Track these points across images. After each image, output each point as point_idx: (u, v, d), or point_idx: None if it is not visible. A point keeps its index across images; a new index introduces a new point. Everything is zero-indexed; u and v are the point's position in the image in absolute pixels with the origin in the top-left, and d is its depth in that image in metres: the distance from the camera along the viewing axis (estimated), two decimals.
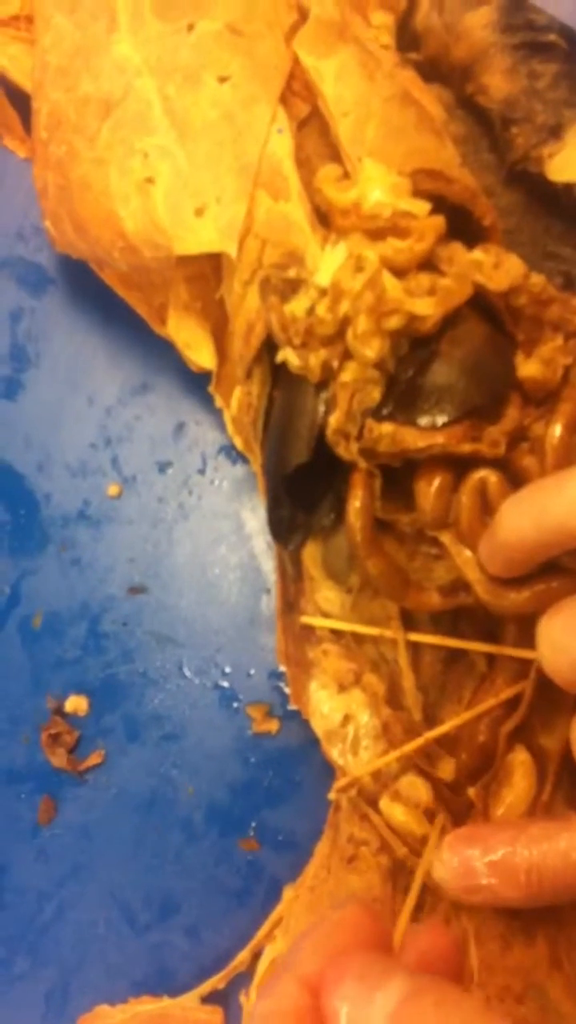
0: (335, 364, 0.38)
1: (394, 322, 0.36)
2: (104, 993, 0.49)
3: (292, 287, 0.39)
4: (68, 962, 0.50)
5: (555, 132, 0.47)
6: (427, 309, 0.37)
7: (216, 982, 0.47)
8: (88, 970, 0.50)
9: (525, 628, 0.42)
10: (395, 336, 0.37)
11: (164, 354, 0.53)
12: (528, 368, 0.40)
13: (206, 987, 0.47)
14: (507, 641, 0.42)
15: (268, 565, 0.53)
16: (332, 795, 0.45)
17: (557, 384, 0.41)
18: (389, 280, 0.36)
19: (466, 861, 0.37)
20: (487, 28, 0.49)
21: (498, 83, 0.49)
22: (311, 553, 0.45)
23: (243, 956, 0.47)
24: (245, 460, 0.53)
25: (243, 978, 0.47)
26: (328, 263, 0.37)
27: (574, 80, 0.48)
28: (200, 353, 0.49)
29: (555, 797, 0.43)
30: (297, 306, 0.38)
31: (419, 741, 0.42)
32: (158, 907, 0.50)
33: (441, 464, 0.39)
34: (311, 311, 0.37)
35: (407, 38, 0.51)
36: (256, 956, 0.47)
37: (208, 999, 0.48)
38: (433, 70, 0.50)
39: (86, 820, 0.51)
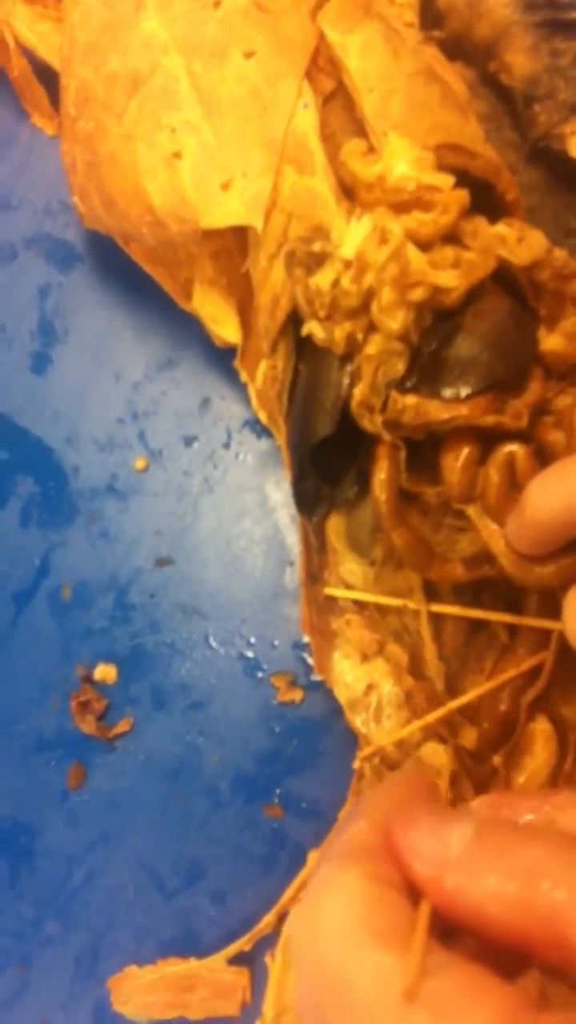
0: (360, 337, 0.39)
1: (418, 294, 0.37)
2: (133, 955, 0.51)
3: (317, 260, 0.39)
4: (97, 925, 0.51)
5: None
6: (451, 281, 0.37)
7: (242, 944, 0.48)
8: (117, 933, 0.51)
9: (547, 599, 0.42)
10: (419, 308, 0.38)
11: (190, 329, 0.54)
12: (550, 342, 0.41)
13: (232, 949, 0.48)
14: (529, 612, 0.43)
15: (292, 538, 0.53)
16: (356, 763, 0.46)
17: None
18: (413, 252, 0.37)
19: None
20: (509, 6, 0.49)
21: (521, 61, 0.49)
22: (335, 525, 0.46)
23: (268, 919, 0.48)
24: (269, 434, 0.54)
25: (268, 941, 0.48)
26: (353, 236, 0.38)
27: None
28: (225, 328, 0.50)
29: None
30: (322, 279, 0.38)
31: (442, 711, 0.43)
32: (185, 872, 0.51)
33: (467, 437, 0.39)
34: (336, 284, 0.38)
35: (430, 16, 0.51)
36: (281, 919, 0.48)
37: (234, 961, 0.49)
38: (456, 48, 0.51)
39: (115, 787, 0.52)
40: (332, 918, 0.25)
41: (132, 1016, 0.49)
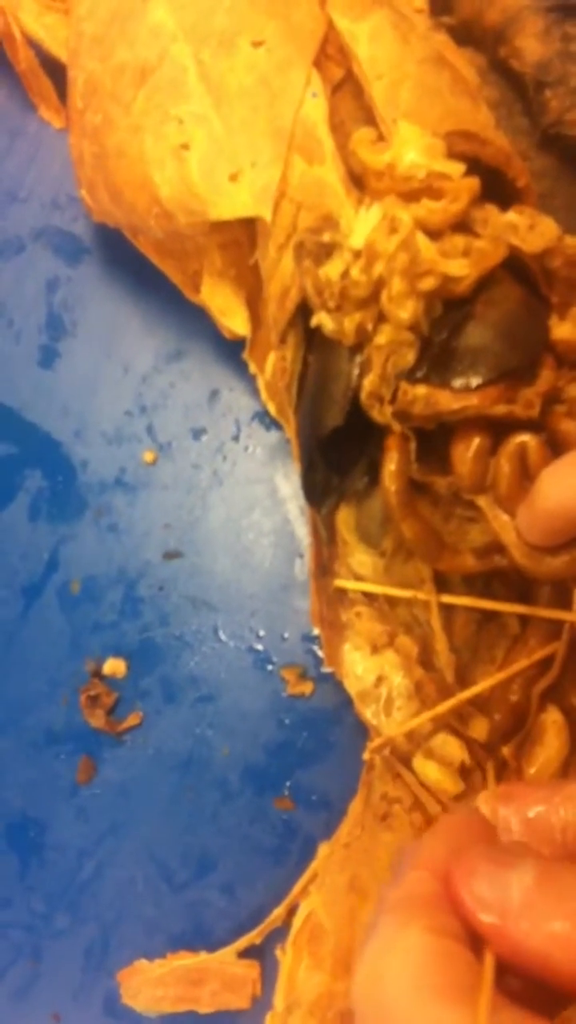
0: (369, 327, 0.38)
1: (428, 283, 0.37)
2: (142, 948, 0.51)
3: (326, 250, 0.39)
4: (107, 918, 0.51)
5: None
6: (461, 270, 0.37)
7: (252, 937, 0.48)
8: (127, 926, 0.51)
9: (559, 589, 0.42)
10: (429, 298, 0.37)
11: (198, 321, 0.54)
12: (562, 330, 0.40)
13: (243, 942, 0.48)
14: (540, 602, 0.43)
15: (301, 530, 0.53)
16: (367, 755, 0.45)
17: None
18: (423, 241, 0.36)
19: (501, 818, 0.37)
20: None
21: (531, 46, 0.49)
22: (345, 517, 0.46)
23: (279, 912, 0.48)
24: (278, 426, 0.54)
25: (279, 933, 0.48)
26: (362, 225, 0.37)
27: None
28: (234, 320, 0.50)
29: None
30: (331, 269, 0.38)
31: (452, 701, 0.43)
32: (195, 865, 0.51)
33: (478, 427, 0.39)
34: (345, 274, 0.38)
35: (440, 2, 0.51)
36: (291, 912, 0.48)
37: (244, 954, 0.49)
38: (466, 34, 0.50)
39: (124, 780, 0.52)
40: (396, 977, 0.25)
41: (142, 1009, 0.49)
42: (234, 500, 0.54)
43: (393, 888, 0.28)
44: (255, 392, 0.53)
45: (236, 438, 0.55)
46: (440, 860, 0.28)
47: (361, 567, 0.46)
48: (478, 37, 0.51)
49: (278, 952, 0.47)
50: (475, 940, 0.26)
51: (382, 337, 0.38)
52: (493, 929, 0.26)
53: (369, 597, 0.46)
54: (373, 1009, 0.25)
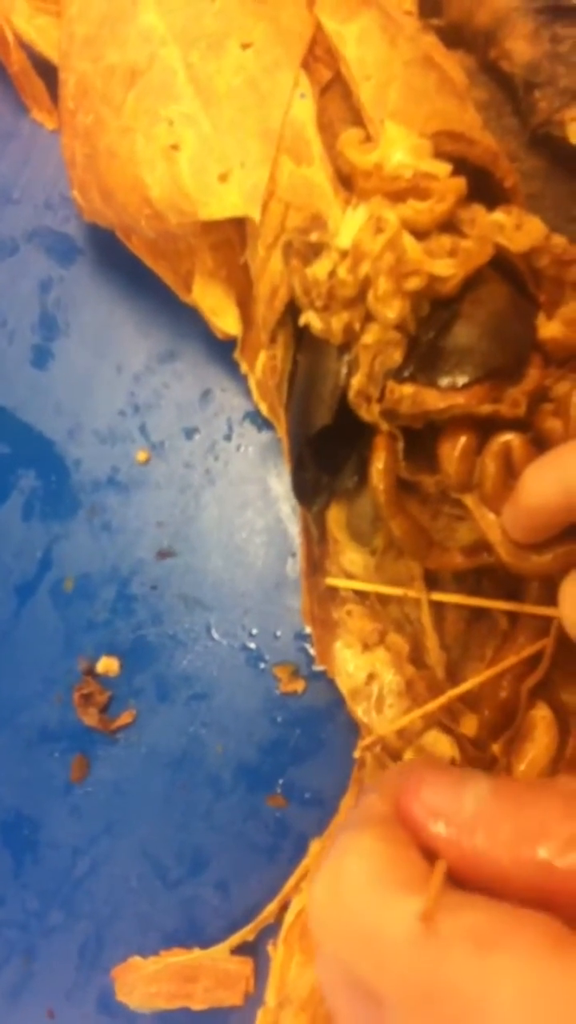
0: (357, 326, 0.39)
1: (414, 283, 0.37)
2: (136, 945, 0.51)
3: (314, 250, 0.39)
4: (101, 915, 0.52)
5: None
6: (447, 270, 0.37)
7: (246, 934, 0.49)
8: (121, 923, 0.51)
9: (547, 586, 0.42)
10: (416, 297, 0.38)
11: (190, 322, 0.54)
12: (549, 329, 0.40)
13: (236, 939, 0.49)
14: (529, 599, 0.43)
15: (294, 529, 0.53)
16: (358, 753, 0.46)
17: None
18: (409, 241, 0.37)
19: None
20: None
21: (521, 48, 0.49)
22: (335, 515, 0.46)
23: (272, 908, 0.48)
24: (270, 426, 0.54)
25: (271, 930, 0.48)
26: (349, 225, 0.38)
27: None
28: (225, 320, 0.50)
29: None
30: (319, 269, 0.38)
31: (442, 699, 0.43)
32: (189, 862, 0.51)
33: (465, 426, 0.39)
34: (332, 274, 0.38)
35: (430, 4, 0.51)
36: (284, 908, 0.48)
37: (238, 950, 0.49)
38: (456, 36, 0.50)
39: (118, 778, 0.52)
40: (353, 878, 0.25)
41: (136, 1006, 0.49)
42: (226, 499, 0.54)
43: (350, 813, 0.29)
44: (247, 392, 0.53)
45: (228, 437, 0.55)
46: (395, 785, 0.28)
47: (352, 565, 0.46)
48: (468, 38, 0.51)
49: (270, 948, 0.47)
50: (428, 855, 0.26)
51: (369, 336, 0.38)
52: (446, 840, 0.26)
53: (360, 595, 0.47)
54: (332, 912, 0.25)
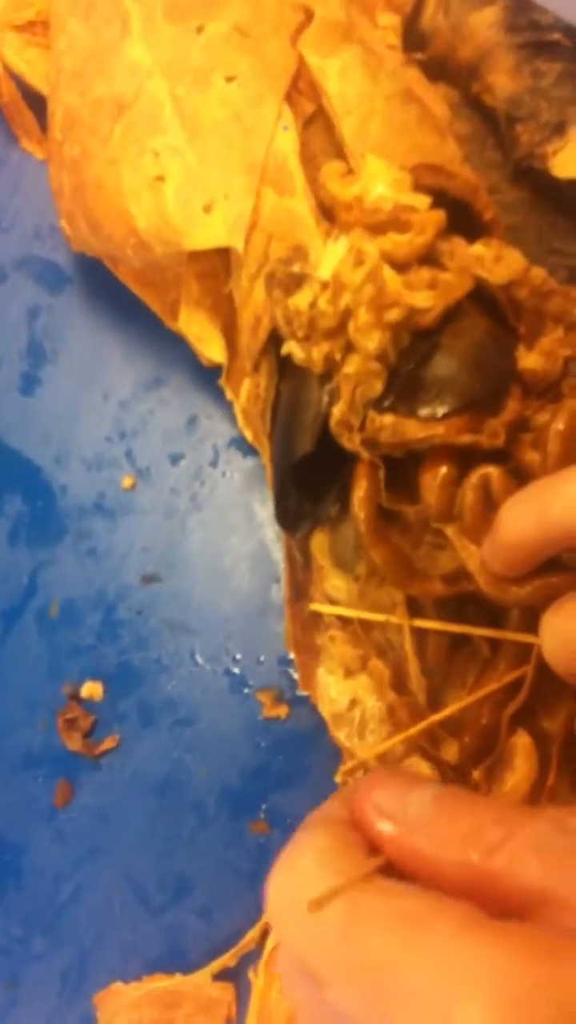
0: (338, 356, 0.39)
1: (394, 315, 0.37)
2: (119, 972, 0.51)
3: (296, 281, 0.40)
4: (84, 942, 0.52)
5: (559, 129, 0.48)
6: (427, 302, 0.38)
7: (227, 960, 0.49)
8: (104, 949, 0.51)
9: (529, 613, 0.42)
10: (396, 329, 0.38)
11: (177, 349, 0.54)
12: (529, 360, 0.41)
13: (217, 965, 0.49)
14: (511, 626, 0.43)
15: (278, 555, 0.54)
16: (339, 777, 0.46)
17: (558, 376, 0.41)
18: (389, 274, 0.37)
19: None
20: (492, 28, 0.50)
21: (503, 82, 0.50)
22: (319, 542, 0.46)
23: (253, 934, 0.48)
24: (256, 453, 0.55)
25: (253, 956, 0.48)
26: (329, 257, 0.38)
27: None
28: (211, 347, 0.50)
29: (560, 782, 0.44)
30: (300, 300, 0.39)
31: (423, 724, 0.43)
32: (172, 888, 0.51)
33: (446, 457, 0.40)
34: (313, 304, 0.38)
35: (414, 38, 0.52)
36: (265, 934, 0.48)
37: (220, 976, 0.49)
38: (440, 70, 0.51)
39: (102, 803, 0.52)
40: (302, 871, 0.27)
41: None
42: (212, 525, 0.55)
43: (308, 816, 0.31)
44: (233, 419, 0.54)
45: (214, 464, 0.55)
46: (352, 791, 0.30)
47: (335, 591, 0.46)
48: (451, 73, 0.51)
49: (251, 974, 0.47)
50: (373, 851, 0.28)
51: (350, 367, 0.39)
52: (388, 838, 0.28)
53: (343, 621, 0.47)
54: (282, 901, 0.27)
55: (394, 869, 0.27)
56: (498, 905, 0.25)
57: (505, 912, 0.25)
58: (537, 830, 0.26)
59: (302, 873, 0.27)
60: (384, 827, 0.28)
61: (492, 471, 0.38)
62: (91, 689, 0.53)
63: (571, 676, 0.36)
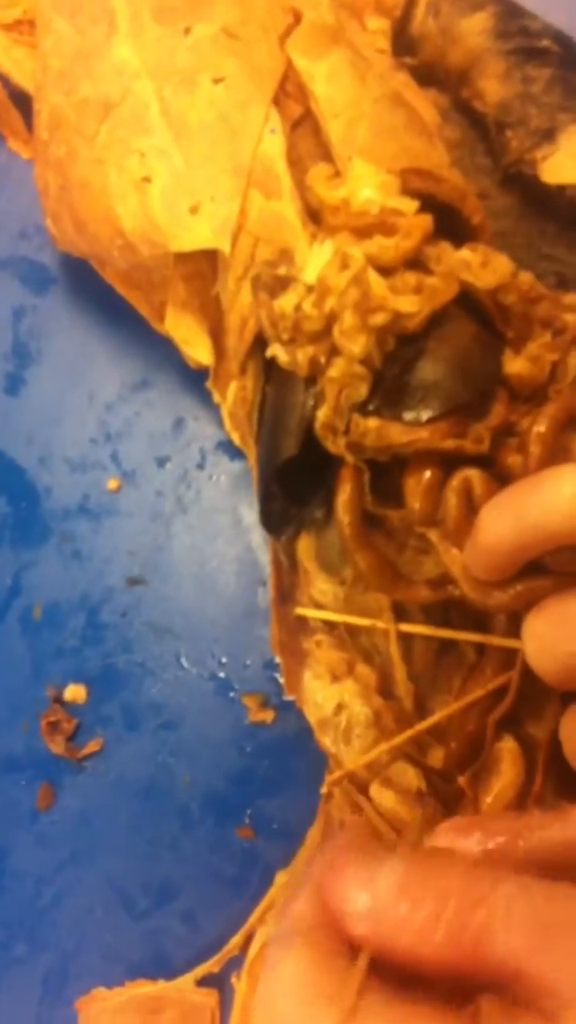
0: (323, 360, 0.39)
1: (379, 319, 0.37)
2: (101, 976, 0.50)
3: (282, 284, 0.39)
4: (66, 946, 0.51)
5: (548, 135, 0.48)
6: (411, 306, 0.38)
7: (211, 966, 0.48)
8: (86, 954, 0.51)
9: (515, 618, 0.42)
10: (381, 333, 0.38)
11: (164, 351, 0.54)
12: (515, 365, 0.41)
13: (201, 970, 0.48)
14: (496, 631, 0.43)
15: (265, 558, 0.53)
16: (325, 788, 0.46)
17: (545, 380, 0.41)
18: (374, 278, 0.37)
19: (460, 849, 0.38)
20: (482, 34, 0.50)
21: (493, 87, 0.50)
22: (305, 546, 0.46)
23: (236, 940, 0.48)
24: (242, 456, 0.54)
25: (237, 962, 0.48)
26: (315, 260, 0.38)
27: (567, 84, 0.49)
28: (198, 349, 0.50)
29: (546, 787, 0.44)
30: (286, 302, 0.39)
31: (410, 732, 0.43)
32: (155, 893, 0.51)
33: (431, 461, 0.39)
34: (298, 307, 0.38)
35: (404, 43, 0.51)
36: (248, 940, 0.48)
37: (204, 982, 0.49)
38: (429, 75, 0.51)
39: (84, 807, 0.52)
40: (283, 996, 0.26)
41: None
42: (198, 528, 0.54)
43: (281, 919, 0.30)
44: (219, 421, 0.54)
45: (200, 466, 0.55)
46: (318, 882, 0.29)
47: (322, 595, 0.46)
48: (441, 78, 0.51)
49: (234, 980, 0.47)
50: (352, 947, 0.27)
51: (335, 370, 0.39)
52: (363, 937, 0.27)
53: (329, 625, 0.47)
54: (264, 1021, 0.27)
55: (377, 961, 0.27)
56: (481, 980, 0.25)
57: (489, 985, 0.25)
58: (501, 901, 0.26)
59: (282, 998, 0.27)
60: (358, 928, 0.27)
61: (473, 474, 0.38)
62: (74, 692, 0.53)
63: (553, 680, 0.36)
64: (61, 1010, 0.50)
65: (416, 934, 0.26)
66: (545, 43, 0.50)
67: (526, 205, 0.51)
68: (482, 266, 0.40)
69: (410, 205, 0.39)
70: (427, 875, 0.27)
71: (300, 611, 0.47)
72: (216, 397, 0.52)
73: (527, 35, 0.50)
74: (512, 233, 0.51)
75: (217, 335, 0.50)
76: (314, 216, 0.41)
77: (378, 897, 0.27)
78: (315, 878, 0.29)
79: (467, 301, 0.40)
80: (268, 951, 0.28)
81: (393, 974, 0.27)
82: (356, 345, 0.37)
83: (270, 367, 0.43)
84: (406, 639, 0.45)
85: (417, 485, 0.39)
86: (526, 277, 0.41)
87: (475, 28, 0.50)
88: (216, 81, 0.43)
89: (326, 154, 0.43)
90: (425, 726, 0.43)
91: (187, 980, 0.49)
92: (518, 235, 0.52)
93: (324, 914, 0.28)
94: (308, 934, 0.28)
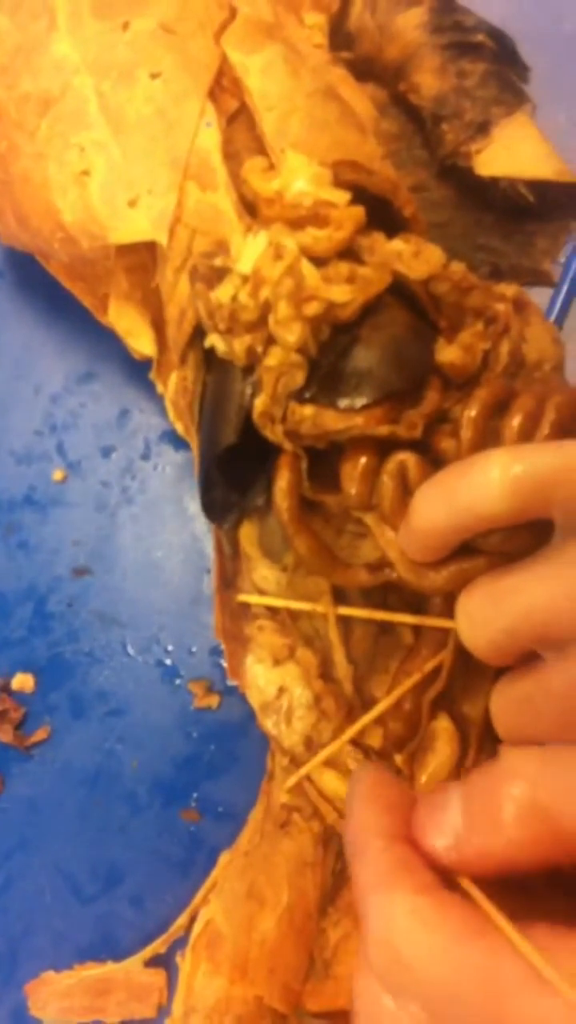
0: (259, 349, 0.40)
1: (313, 308, 0.38)
2: (50, 960, 0.51)
3: (219, 275, 0.40)
4: (15, 931, 0.52)
5: (483, 128, 0.49)
6: (345, 296, 0.38)
7: (157, 947, 0.49)
8: (35, 939, 0.52)
9: (450, 600, 0.43)
10: (315, 322, 0.39)
11: (108, 343, 0.55)
12: (448, 353, 0.42)
13: (148, 951, 0.49)
14: (433, 613, 0.44)
15: (209, 547, 0.54)
16: (284, 797, 0.46)
17: (477, 368, 0.42)
18: (307, 268, 0.38)
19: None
20: (418, 29, 0.51)
21: (429, 81, 0.51)
22: (247, 533, 0.47)
23: (181, 921, 0.49)
24: (187, 446, 0.55)
25: (183, 941, 0.49)
26: (250, 251, 0.39)
27: (501, 79, 0.50)
28: (141, 341, 0.51)
29: (479, 762, 0.45)
30: (222, 293, 0.39)
31: (359, 724, 0.44)
32: (103, 878, 0.52)
33: (366, 447, 0.40)
34: (235, 298, 0.39)
35: (341, 38, 0.52)
36: (192, 919, 0.48)
37: (151, 963, 0.49)
38: (367, 69, 0.52)
39: (33, 794, 0.53)
40: (411, 943, 0.28)
41: (49, 1021, 0.49)
42: (143, 517, 0.55)
43: (359, 866, 0.31)
44: (164, 412, 0.54)
45: (146, 457, 0.56)
46: (386, 825, 0.31)
47: (264, 582, 0.47)
48: (378, 72, 0.52)
49: (178, 958, 0.48)
50: (447, 875, 0.30)
51: (272, 359, 0.39)
52: (461, 863, 0.29)
53: (271, 611, 0.47)
54: (400, 985, 0.28)
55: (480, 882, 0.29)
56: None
57: None
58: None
59: (417, 946, 0.27)
60: (453, 857, 0.29)
61: (408, 458, 0.39)
62: (22, 681, 0.53)
63: (485, 655, 0.37)
64: (11, 994, 0.51)
65: (505, 841, 0.28)
66: (479, 38, 0.51)
67: (462, 196, 0.52)
68: (414, 256, 0.41)
69: (342, 197, 0.40)
70: (485, 788, 0.30)
71: (242, 597, 0.47)
72: (159, 388, 0.52)
73: (462, 30, 0.51)
74: (449, 224, 0.53)
75: (159, 326, 0.51)
76: (250, 208, 0.42)
77: (455, 825, 0.30)
78: (376, 824, 0.32)
79: (401, 291, 0.41)
80: (369, 904, 0.29)
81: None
82: (291, 334, 0.38)
83: (209, 357, 0.43)
84: (346, 623, 0.46)
85: (353, 470, 0.40)
86: (458, 267, 0.42)
87: (411, 23, 0.51)
88: (153, 76, 0.44)
89: (261, 148, 0.43)
90: (373, 716, 0.44)
91: (135, 961, 0.49)
92: (455, 226, 0.53)
93: (405, 855, 0.30)
94: (402, 877, 0.29)
